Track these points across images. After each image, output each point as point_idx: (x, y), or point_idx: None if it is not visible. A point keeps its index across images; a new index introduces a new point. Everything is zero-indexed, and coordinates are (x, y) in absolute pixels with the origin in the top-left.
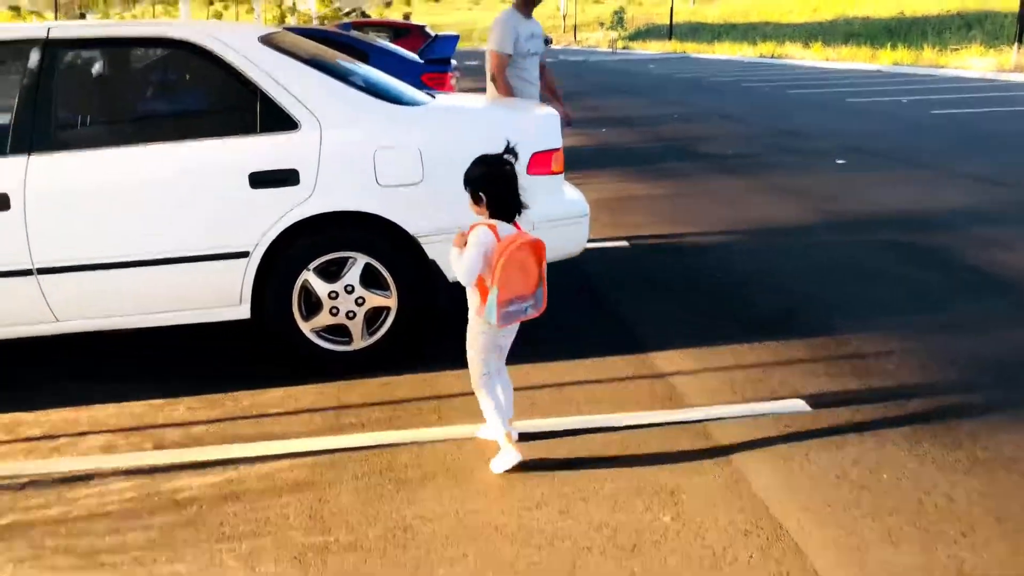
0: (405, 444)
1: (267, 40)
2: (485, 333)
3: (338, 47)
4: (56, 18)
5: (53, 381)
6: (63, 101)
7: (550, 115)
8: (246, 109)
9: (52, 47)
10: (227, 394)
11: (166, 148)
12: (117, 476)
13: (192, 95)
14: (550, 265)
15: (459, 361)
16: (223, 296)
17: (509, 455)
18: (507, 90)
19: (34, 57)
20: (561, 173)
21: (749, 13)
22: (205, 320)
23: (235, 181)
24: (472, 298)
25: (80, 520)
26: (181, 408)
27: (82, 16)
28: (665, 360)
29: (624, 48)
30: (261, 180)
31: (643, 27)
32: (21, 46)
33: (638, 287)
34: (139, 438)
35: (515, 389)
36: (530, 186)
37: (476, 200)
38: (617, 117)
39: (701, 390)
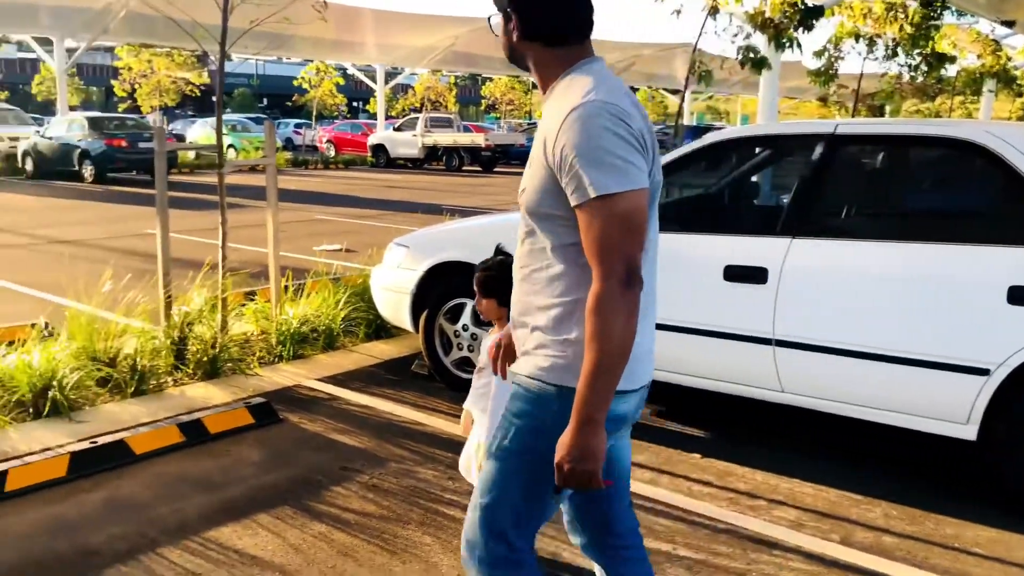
0: None
1: None
2: None
3: None
4: (855, 110)
5: (768, 446)
6: (833, 192)
7: None
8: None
9: (836, 142)
10: (929, 514)
11: (924, 248)
12: (798, 555)
13: (962, 198)
14: None
15: None
16: (949, 411)
17: None
18: None
19: (818, 150)
20: None
21: None
22: (922, 429)
23: (990, 291)
24: None
25: None
26: (878, 512)
27: (880, 108)
28: None
29: None
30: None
31: None
32: (809, 140)
33: None
34: (827, 526)
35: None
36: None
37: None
38: None
39: None
